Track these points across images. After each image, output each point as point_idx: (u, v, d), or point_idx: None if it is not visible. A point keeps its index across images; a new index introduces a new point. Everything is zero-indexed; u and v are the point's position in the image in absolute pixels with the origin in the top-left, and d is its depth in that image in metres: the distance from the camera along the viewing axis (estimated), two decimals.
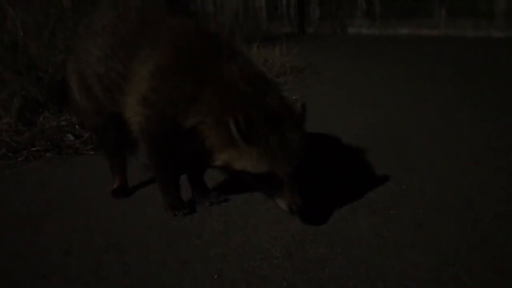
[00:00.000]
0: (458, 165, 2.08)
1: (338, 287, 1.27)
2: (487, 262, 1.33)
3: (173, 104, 1.59)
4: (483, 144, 2.34)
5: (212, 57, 1.62)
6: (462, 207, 1.69)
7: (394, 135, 2.60)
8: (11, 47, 3.26)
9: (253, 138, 1.49)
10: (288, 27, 11.11)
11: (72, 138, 2.75)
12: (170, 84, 1.60)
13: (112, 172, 2.03)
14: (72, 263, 1.46)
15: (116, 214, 1.81)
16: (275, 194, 1.56)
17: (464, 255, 1.38)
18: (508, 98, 3.33)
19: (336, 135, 2.60)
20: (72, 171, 2.35)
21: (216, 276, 1.35)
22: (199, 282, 1.33)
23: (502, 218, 1.59)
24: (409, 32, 8.28)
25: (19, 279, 1.39)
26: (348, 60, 5.88)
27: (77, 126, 2.81)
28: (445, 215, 1.63)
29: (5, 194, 2.06)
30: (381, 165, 2.11)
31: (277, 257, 1.44)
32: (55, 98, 3.11)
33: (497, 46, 6.39)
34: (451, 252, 1.40)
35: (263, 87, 1.61)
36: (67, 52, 3.18)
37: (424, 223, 1.58)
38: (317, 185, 1.94)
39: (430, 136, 2.50)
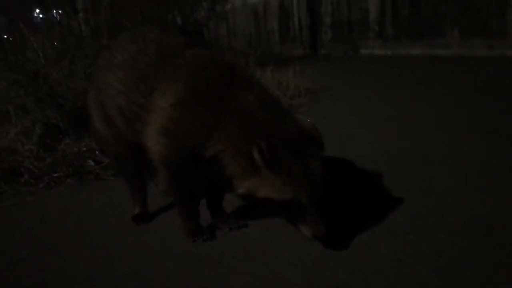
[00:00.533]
0: (477, 189, 2.07)
1: None
2: None
3: (192, 135, 1.64)
4: (502, 168, 2.33)
5: (228, 87, 1.67)
6: (483, 232, 1.68)
7: (410, 158, 2.60)
8: (33, 75, 3.35)
9: (276, 165, 1.52)
10: (300, 49, 11.22)
11: (92, 163, 2.81)
12: (189, 116, 1.65)
13: (132, 199, 2.07)
14: None
15: (137, 240, 1.84)
16: (298, 221, 1.59)
17: (487, 282, 1.37)
18: None
19: (351, 158, 2.62)
20: (93, 197, 2.39)
21: None
22: None
23: None
24: (422, 53, 8.29)
25: None
26: (361, 82, 5.91)
27: (97, 152, 2.87)
28: (466, 240, 1.63)
29: (29, 222, 2.11)
30: (398, 189, 2.11)
31: (298, 284, 1.45)
32: (75, 125, 3.19)
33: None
34: (474, 279, 1.39)
35: (281, 114, 1.67)
36: (87, 81, 3.27)
37: (444, 249, 1.58)
38: (335, 210, 1.94)
39: (447, 160, 2.50)
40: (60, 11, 5.85)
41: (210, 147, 1.62)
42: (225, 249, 1.70)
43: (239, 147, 1.58)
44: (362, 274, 1.46)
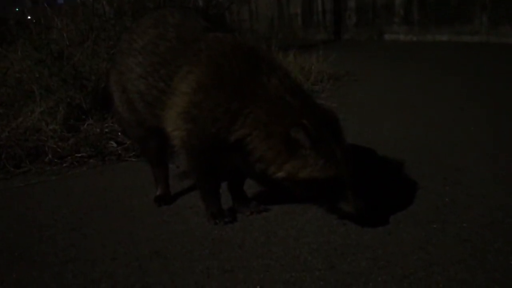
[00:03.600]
0: (505, 179, 2.03)
1: None
2: None
3: (216, 120, 1.64)
4: None
5: (252, 71, 1.67)
6: (509, 222, 1.64)
7: (435, 145, 2.55)
8: (57, 55, 3.38)
9: (320, 144, 1.56)
10: (324, 33, 11.08)
11: (114, 145, 2.83)
12: (212, 100, 1.64)
13: (154, 180, 2.08)
14: (119, 270, 1.50)
15: (159, 221, 1.86)
16: (337, 198, 1.62)
17: None
18: None
19: (375, 145, 2.58)
20: (115, 178, 2.41)
21: (258, 287, 1.37)
22: None
23: None
24: (448, 39, 8.10)
25: (69, 284, 1.44)
26: (385, 67, 5.81)
27: (119, 133, 2.89)
28: (491, 231, 1.59)
29: (54, 201, 2.14)
30: (423, 177, 2.08)
31: (319, 269, 1.44)
32: (98, 105, 3.21)
33: None
34: (499, 270, 1.36)
35: (304, 97, 1.69)
36: (110, 63, 3.28)
37: (470, 238, 1.55)
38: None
39: (474, 148, 2.44)
40: None
41: (234, 131, 1.62)
42: (246, 233, 1.70)
43: (270, 130, 1.59)
44: (384, 262, 1.45)
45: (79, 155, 2.74)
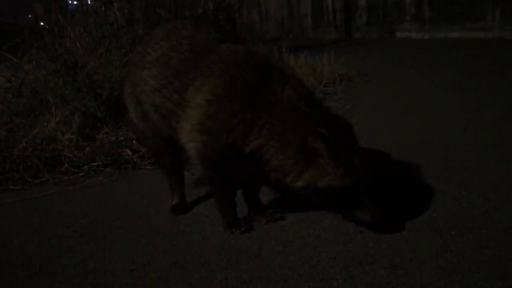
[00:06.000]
0: None
1: None
2: None
3: (230, 131, 1.65)
4: None
5: (265, 81, 1.69)
6: None
7: (451, 149, 2.53)
8: (71, 65, 3.41)
9: (338, 152, 1.57)
10: (334, 33, 11.05)
11: (130, 153, 2.86)
12: (226, 112, 1.66)
13: (170, 189, 2.10)
14: (138, 281, 1.52)
15: (176, 231, 1.87)
16: (354, 207, 1.62)
17: None
18: None
19: (388, 148, 2.57)
20: (131, 187, 2.44)
21: None
22: None
23: None
24: (461, 36, 8.03)
25: None
26: (398, 67, 5.78)
27: (134, 142, 2.92)
28: (510, 236, 1.58)
29: (71, 211, 2.17)
30: (439, 182, 2.07)
31: (337, 279, 1.44)
32: (112, 114, 3.24)
33: None
34: None
35: (319, 106, 1.71)
36: (122, 71, 3.31)
37: (488, 245, 1.54)
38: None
39: (490, 151, 2.42)
40: None
41: (250, 142, 1.64)
42: (263, 242, 1.71)
43: (286, 139, 1.60)
44: (403, 270, 1.44)
45: (95, 164, 2.77)
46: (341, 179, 1.58)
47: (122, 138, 3.00)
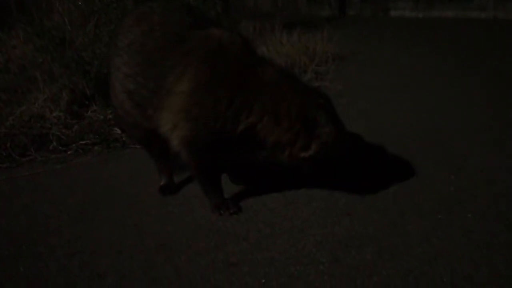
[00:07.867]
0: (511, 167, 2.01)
1: None
2: None
3: (219, 116, 1.64)
4: None
5: (245, 63, 1.72)
6: None
7: (441, 132, 2.53)
8: (59, 42, 3.35)
9: (335, 121, 1.67)
10: (328, 10, 10.91)
11: (119, 131, 2.82)
12: (213, 97, 1.65)
13: (158, 170, 2.08)
14: (125, 263, 1.52)
15: (164, 212, 1.86)
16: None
17: None
18: None
19: (378, 131, 2.56)
20: (120, 166, 2.41)
21: (263, 281, 1.38)
22: (248, 287, 1.35)
23: None
24: (455, 15, 7.96)
25: (76, 278, 1.46)
26: (391, 46, 5.72)
27: None
28: (496, 221, 1.59)
29: (59, 191, 2.14)
30: (428, 165, 2.07)
31: (323, 262, 1.45)
32: (102, 91, 3.19)
33: None
34: (504, 264, 1.36)
35: (298, 80, 1.80)
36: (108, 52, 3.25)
37: (474, 229, 1.55)
38: (362, 187, 1.92)
39: (480, 134, 2.42)
40: None
41: (241, 121, 1.65)
42: (251, 225, 1.71)
43: (280, 113, 1.63)
44: (389, 255, 1.45)
45: (84, 142, 2.73)
46: (340, 147, 1.66)
47: (110, 117, 2.95)
